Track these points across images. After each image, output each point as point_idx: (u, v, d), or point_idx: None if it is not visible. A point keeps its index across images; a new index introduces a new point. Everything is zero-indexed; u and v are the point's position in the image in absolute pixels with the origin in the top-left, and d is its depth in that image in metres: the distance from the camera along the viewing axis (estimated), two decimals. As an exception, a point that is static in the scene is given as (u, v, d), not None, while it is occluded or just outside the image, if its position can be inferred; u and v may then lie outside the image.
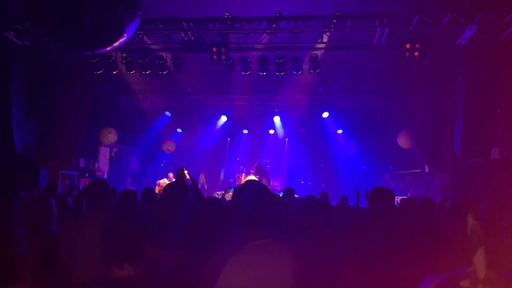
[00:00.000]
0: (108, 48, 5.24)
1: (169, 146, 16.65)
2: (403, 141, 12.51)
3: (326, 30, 9.72)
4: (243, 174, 14.52)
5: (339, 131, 16.99)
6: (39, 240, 2.54)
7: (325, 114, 16.34)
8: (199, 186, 15.56)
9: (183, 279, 2.60)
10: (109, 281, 1.80)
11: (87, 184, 10.58)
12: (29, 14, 5.76)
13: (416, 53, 9.24)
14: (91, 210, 3.13)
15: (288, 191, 6.63)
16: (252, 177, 13.68)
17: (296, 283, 2.25)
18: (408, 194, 12.72)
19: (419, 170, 12.71)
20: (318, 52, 10.28)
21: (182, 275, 2.66)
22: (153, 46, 10.63)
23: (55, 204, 3.21)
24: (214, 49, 9.61)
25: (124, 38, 5.01)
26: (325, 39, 9.96)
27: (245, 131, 17.92)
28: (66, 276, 2.78)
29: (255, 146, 17.42)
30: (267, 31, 9.88)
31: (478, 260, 1.53)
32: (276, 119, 17.26)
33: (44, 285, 2.27)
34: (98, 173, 13.95)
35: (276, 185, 15.63)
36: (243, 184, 2.44)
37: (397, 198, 7.80)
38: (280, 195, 7.72)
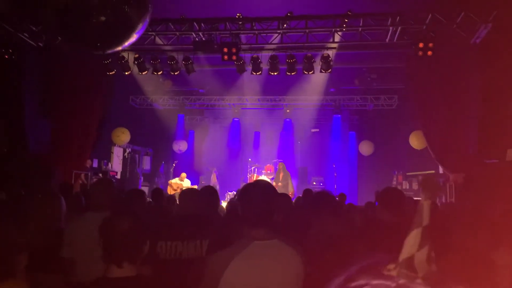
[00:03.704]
0: (118, 49, 5.28)
1: (180, 146, 16.74)
2: (415, 142, 12.35)
3: (337, 29, 9.65)
4: (255, 174, 14.52)
5: (351, 132, 16.88)
6: (45, 237, 2.55)
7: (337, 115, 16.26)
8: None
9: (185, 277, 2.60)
10: (108, 281, 1.79)
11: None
12: (41, 16, 5.82)
13: (430, 52, 9.10)
14: (96, 209, 3.14)
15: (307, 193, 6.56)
16: (264, 177, 13.66)
17: (301, 283, 2.22)
18: (422, 196, 12.54)
19: (433, 171, 12.52)
20: (330, 52, 10.20)
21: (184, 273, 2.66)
22: (165, 47, 10.68)
23: (68, 203, 3.24)
24: (225, 50, 9.60)
25: (134, 39, 5.04)
26: (336, 39, 9.88)
27: (257, 132, 17.93)
28: (71, 274, 2.80)
29: (266, 146, 17.42)
30: (278, 31, 9.84)
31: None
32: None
33: (45, 283, 2.29)
34: (111, 173, 14.06)
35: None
36: (250, 183, 2.42)
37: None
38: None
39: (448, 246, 2.86)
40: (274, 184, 12.81)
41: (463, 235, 2.80)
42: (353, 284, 0.79)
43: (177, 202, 9.29)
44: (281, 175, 13.35)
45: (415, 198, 8.39)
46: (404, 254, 0.79)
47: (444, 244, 3.05)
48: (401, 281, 0.78)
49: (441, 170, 11.65)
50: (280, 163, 13.95)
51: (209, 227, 3.04)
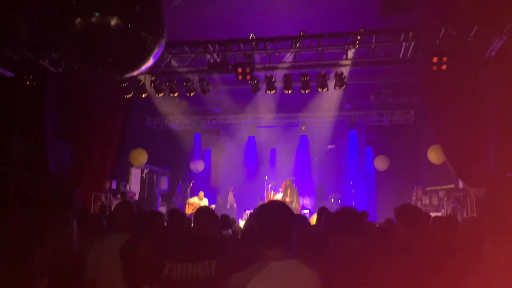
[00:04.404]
0: (135, 73, 5.42)
1: (197, 166, 16.86)
2: (433, 156, 12.20)
3: (350, 46, 9.71)
4: (272, 192, 14.48)
5: (368, 147, 16.75)
6: (58, 261, 2.59)
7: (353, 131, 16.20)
8: (228, 205, 15.62)
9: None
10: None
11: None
12: (62, 42, 6.04)
13: (444, 67, 9.06)
14: (118, 231, 3.19)
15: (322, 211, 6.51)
16: (281, 195, 13.63)
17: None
18: (442, 211, 12.33)
19: (453, 186, 12.31)
20: (344, 69, 10.24)
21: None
22: (180, 69, 10.88)
23: (89, 225, 3.29)
24: (239, 70, 9.74)
25: (151, 63, 5.18)
26: (350, 56, 9.93)
27: (273, 149, 17.94)
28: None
29: (282, 164, 17.40)
30: (291, 50, 9.95)
31: None
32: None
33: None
34: (129, 194, 14.20)
35: (306, 203, 15.50)
36: (265, 204, 2.42)
37: (432, 214, 7.58)
38: None
39: (478, 262, 2.81)
40: (281, 199, 12.81)
41: (492, 251, 2.75)
42: None
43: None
44: (288, 191, 13.35)
45: (434, 214, 8.24)
46: None
47: (474, 261, 3.00)
48: None
49: (461, 185, 11.46)
50: (287, 179, 13.94)
51: (217, 247, 3.04)
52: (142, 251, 1.84)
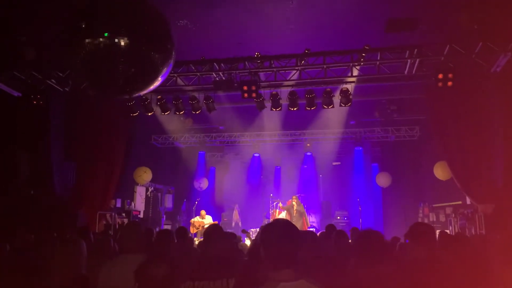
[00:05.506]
0: (143, 92, 5.46)
1: (201, 184, 16.82)
2: (439, 173, 12.13)
3: (355, 64, 9.75)
4: (277, 210, 14.40)
5: (374, 164, 16.70)
6: (67, 282, 2.55)
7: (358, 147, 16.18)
8: (233, 223, 15.53)
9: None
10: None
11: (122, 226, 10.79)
12: (69, 63, 6.08)
13: (450, 83, 9.06)
14: (127, 252, 3.16)
15: (330, 228, 6.46)
16: (284, 213, 13.53)
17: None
18: (450, 228, 12.21)
19: (460, 202, 12.21)
20: (349, 86, 10.27)
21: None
22: (186, 87, 10.93)
23: (95, 245, 3.26)
24: (245, 88, 9.78)
25: (158, 83, 5.21)
26: (355, 73, 9.96)
27: (277, 167, 17.90)
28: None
29: (287, 181, 17.33)
30: (297, 68, 9.99)
31: None
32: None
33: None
34: (134, 212, 14.14)
35: (312, 221, 15.38)
36: (270, 224, 2.37)
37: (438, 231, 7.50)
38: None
39: (488, 281, 2.76)
40: (287, 216, 12.71)
41: (502, 269, 2.70)
42: None
43: (198, 241, 9.28)
44: (294, 208, 13.27)
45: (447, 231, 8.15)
46: None
47: (485, 279, 2.95)
48: None
49: (468, 201, 11.36)
50: (293, 196, 13.88)
51: (234, 266, 3.01)
52: (159, 274, 1.81)
